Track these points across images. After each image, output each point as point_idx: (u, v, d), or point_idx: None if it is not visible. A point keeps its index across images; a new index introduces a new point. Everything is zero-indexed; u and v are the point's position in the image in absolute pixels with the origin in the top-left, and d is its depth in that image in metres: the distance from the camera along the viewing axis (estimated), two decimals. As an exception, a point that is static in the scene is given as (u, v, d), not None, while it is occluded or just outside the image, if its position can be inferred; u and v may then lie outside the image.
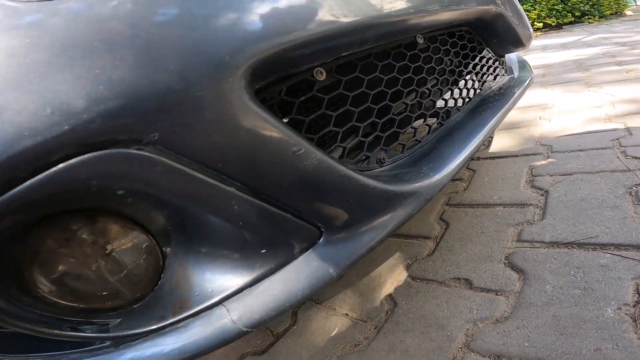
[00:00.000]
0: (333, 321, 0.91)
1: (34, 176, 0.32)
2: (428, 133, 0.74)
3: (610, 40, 4.05)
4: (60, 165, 0.32)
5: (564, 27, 7.87)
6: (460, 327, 0.77)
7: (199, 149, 0.38)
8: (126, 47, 0.34)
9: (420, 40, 0.73)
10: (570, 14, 7.96)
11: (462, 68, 0.91)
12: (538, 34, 7.59)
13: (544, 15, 7.94)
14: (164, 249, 0.49)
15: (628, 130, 1.41)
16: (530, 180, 1.24)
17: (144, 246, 0.51)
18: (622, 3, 8.77)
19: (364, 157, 0.59)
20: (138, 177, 0.37)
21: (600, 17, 8.12)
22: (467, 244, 1.01)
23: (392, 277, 1.00)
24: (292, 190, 0.44)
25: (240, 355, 0.89)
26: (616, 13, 8.67)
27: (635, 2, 12.16)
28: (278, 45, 0.40)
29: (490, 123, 0.76)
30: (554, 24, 7.95)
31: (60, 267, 0.45)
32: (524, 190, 1.19)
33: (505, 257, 0.92)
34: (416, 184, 0.57)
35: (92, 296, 0.49)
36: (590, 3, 8.14)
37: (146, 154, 0.35)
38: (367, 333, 0.84)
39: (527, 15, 7.47)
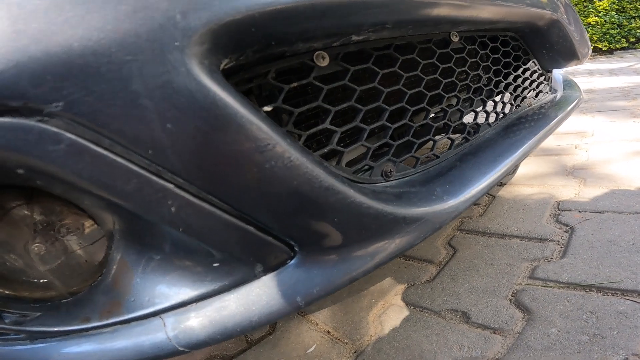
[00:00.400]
0: (312, 337, 0.87)
1: None
2: (449, 148, 0.63)
3: None
4: None
5: (615, 52, 7.61)
6: None
7: (122, 127, 0.29)
8: None
9: (455, 39, 0.62)
10: (624, 39, 7.72)
11: (500, 78, 0.80)
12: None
13: (595, 39, 7.76)
14: (110, 243, 0.41)
15: None
16: (555, 214, 1.16)
17: (88, 236, 0.43)
18: None
19: (366, 167, 0.49)
20: (36, 154, 0.28)
21: None
22: (473, 275, 0.95)
23: (384, 298, 0.94)
24: (252, 196, 0.34)
25: (208, 358, 0.86)
26: None
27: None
28: (256, 8, 0.30)
29: (526, 145, 0.64)
30: (605, 48, 7.73)
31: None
32: (547, 224, 1.11)
33: (513, 293, 0.86)
34: (424, 208, 0.46)
35: (14, 283, 0.42)
36: None
37: (45, 126, 0.27)
38: (345, 356, 0.79)
39: None
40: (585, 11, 8.09)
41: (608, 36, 7.70)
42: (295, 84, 0.40)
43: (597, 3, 8.04)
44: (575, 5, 8.20)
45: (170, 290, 0.38)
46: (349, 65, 0.46)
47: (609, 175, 1.36)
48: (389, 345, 0.79)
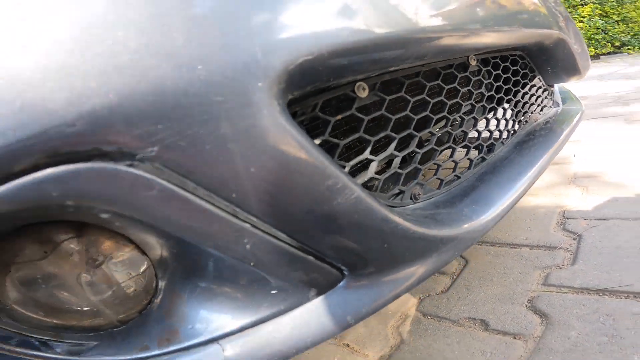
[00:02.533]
0: (332, 351, 0.88)
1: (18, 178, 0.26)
2: (469, 168, 0.66)
3: None
4: (23, 179, 0.25)
5: (601, 57, 7.79)
6: None
7: (209, 171, 0.30)
8: (125, 28, 0.27)
9: (473, 62, 0.65)
10: (610, 44, 7.90)
11: (510, 97, 0.84)
12: (574, 61, 7.55)
13: None
14: (158, 272, 0.42)
15: None
16: (561, 222, 1.20)
17: (136, 265, 0.44)
18: None
19: (397, 192, 0.52)
20: (128, 200, 0.29)
21: None
22: (487, 284, 0.97)
23: (401, 310, 0.96)
24: (319, 230, 0.36)
25: None
26: None
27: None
28: (326, 47, 0.32)
29: (543, 159, 0.68)
30: (591, 53, 7.91)
31: (37, 279, 0.39)
32: (555, 232, 1.14)
33: (529, 300, 0.89)
34: (457, 229, 0.49)
35: (68, 312, 0.43)
36: (632, 33, 8.07)
37: (140, 172, 0.28)
38: None
39: None
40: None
41: (594, 41, 7.87)
42: (340, 117, 0.43)
43: (581, 9, 8.23)
44: (561, 11, 8.43)
45: (226, 317, 0.40)
46: (385, 95, 0.49)
47: (610, 182, 1.41)
48: (410, 356, 0.81)
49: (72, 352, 0.43)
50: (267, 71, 0.30)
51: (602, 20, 8.13)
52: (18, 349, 0.40)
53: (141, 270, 0.46)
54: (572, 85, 3.97)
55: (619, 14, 8.16)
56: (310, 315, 0.40)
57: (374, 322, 0.93)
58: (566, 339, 0.76)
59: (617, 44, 7.90)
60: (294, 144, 0.32)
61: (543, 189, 1.50)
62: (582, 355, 0.72)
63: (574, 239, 1.08)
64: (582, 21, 8.10)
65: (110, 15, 0.28)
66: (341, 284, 0.41)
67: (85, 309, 0.45)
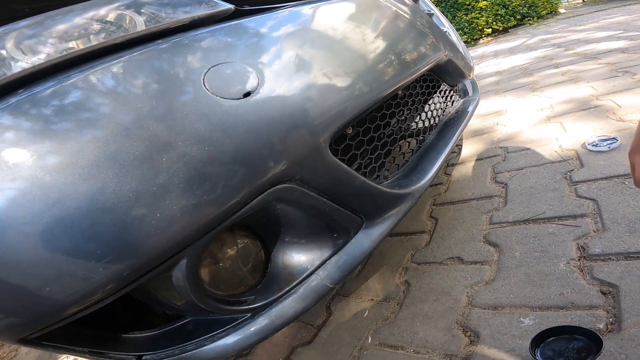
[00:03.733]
0: (362, 306, 1.07)
1: (258, 196, 0.63)
2: (412, 154, 1.06)
3: (549, 42, 4.36)
4: (267, 192, 0.62)
5: (509, 30, 8.23)
6: (461, 291, 0.96)
7: (312, 181, 0.69)
8: (289, 133, 0.65)
9: (400, 92, 1.05)
10: (512, 18, 8.32)
11: (433, 103, 1.24)
12: (489, 39, 8.03)
13: (491, 21, 8.26)
14: (269, 246, 0.76)
15: (563, 128, 1.67)
16: (493, 177, 1.48)
17: (254, 247, 0.78)
18: (555, 2, 9.09)
19: (377, 175, 0.90)
20: (289, 197, 0.67)
21: (538, 18, 8.50)
22: (454, 232, 1.22)
23: (400, 265, 1.18)
24: (351, 198, 0.75)
25: (291, 349, 1.05)
26: (551, 12, 9.03)
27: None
28: (341, 122, 0.72)
29: (453, 139, 1.11)
30: (500, 28, 8.26)
31: (222, 267, 0.72)
32: (490, 185, 1.42)
33: (483, 236, 1.12)
34: (411, 188, 0.89)
35: (237, 283, 0.75)
36: (528, 5, 8.51)
37: (293, 186, 0.66)
38: (392, 309, 1.01)
39: (476, 22, 7.57)
40: (475, -4, 8.75)
41: (499, 17, 8.27)
42: (343, 145, 0.82)
43: (481, -13, 8.63)
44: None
45: (315, 256, 0.76)
46: (359, 127, 0.88)
47: (523, 140, 1.69)
48: (419, 292, 1.03)
49: (246, 302, 0.73)
50: (325, 135, 0.69)
51: (501, -4, 8.63)
52: (227, 307, 0.70)
53: (257, 251, 0.78)
54: (490, 62, 4.29)
55: (513, -11, 8.66)
56: (354, 245, 0.77)
57: (383, 278, 1.15)
58: (514, 259, 0.98)
59: (518, 17, 8.33)
60: (337, 165, 0.72)
61: (477, 155, 1.75)
62: (527, 267, 0.93)
63: (503, 187, 1.35)
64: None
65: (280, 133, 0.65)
66: (363, 225, 0.78)
67: (242, 278, 0.75)
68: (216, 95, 0.60)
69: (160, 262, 0.55)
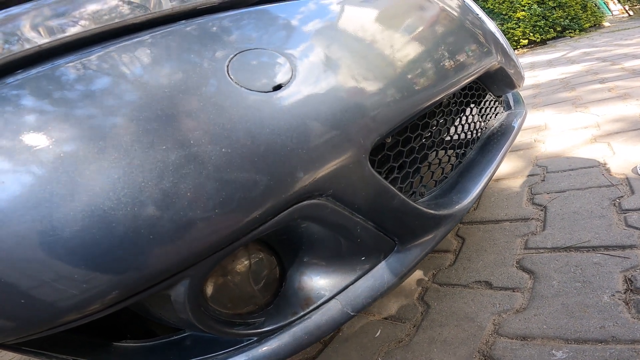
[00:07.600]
0: (375, 325, 1.02)
1: (281, 212, 0.55)
2: (451, 170, 0.95)
3: (592, 56, 4.20)
4: (292, 207, 0.54)
5: (548, 42, 8.13)
6: (487, 318, 0.90)
7: (347, 197, 0.59)
8: (324, 137, 0.56)
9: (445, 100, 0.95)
10: (552, 30, 8.24)
11: (476, 115, 1.13)
12: (525, 50, 7.87)
13: (528, 32, 8.20)
14: (285, 264, 0.68)
15: (611, 149, 1.58)
16: (530, 198, 1.40)
17: (269, 264, 0.70)
18: (599, 15, 9.01)
19: (413, 192, 0.80)
20: (318, 214, 0.59)
21: (580, 31, 8.37)
22: (483, 254, 1.16)
23: (421, 285, 1.13)
24: (386, 218, 0.65)
25: None
26: (595, 25, 8.92)
27: (611, 13, 12.41)
28: (392, 126, 0.62)
29: (498, 156, 0.99)
30: (538, 39, 8.21)
31: (230, 283, 0.64)
32: (526, 207, 1.35)
33: (516, 262, 1.07)
34: (450, 209, 0.78)
35: (245, 302, 0.67)
36: (570, 17, 8.41)
37: (324, 202, 0.58)
38: (407, 331, 0.96)
39: (512, 32, 7.55)
40: (513, 7, 8.58)
41: (538, 28, 8.22)
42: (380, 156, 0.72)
43: (521, -1, 8.61)
44: (503, 2, 8.72)
45: (337, 281, 0.67)
46: (399, 137, 0.78)
47: (564, 161, 1.62)
48: (438, 315, 0.96)
49: (251, 326, 0.65)
50: (366, 147, 0.60)
51: (541, 7, 8.44)
52: (226, 330, 0.62)
53: (271, 268, 0.70)
54: (526, 74, 4.17)
55: (554, 0, 8.52)
56: (383, 270, 0.68)
57: (401, 297, 1.09)
58: (551, 287, 0.92)
59: (558, 28, 8.23)
60: (377, 181, 0.62)
61: (513, 172, 1.67)
62: (566, 297, 0.87)
63: (541, 210, 1.28)
64: (523, 10, 8.43)
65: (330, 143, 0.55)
66: (395, 249, 0.69)
67: (250, 298, 0.68)
68: (240, 86, 0.52)
69: (157, 281, 0.47)
